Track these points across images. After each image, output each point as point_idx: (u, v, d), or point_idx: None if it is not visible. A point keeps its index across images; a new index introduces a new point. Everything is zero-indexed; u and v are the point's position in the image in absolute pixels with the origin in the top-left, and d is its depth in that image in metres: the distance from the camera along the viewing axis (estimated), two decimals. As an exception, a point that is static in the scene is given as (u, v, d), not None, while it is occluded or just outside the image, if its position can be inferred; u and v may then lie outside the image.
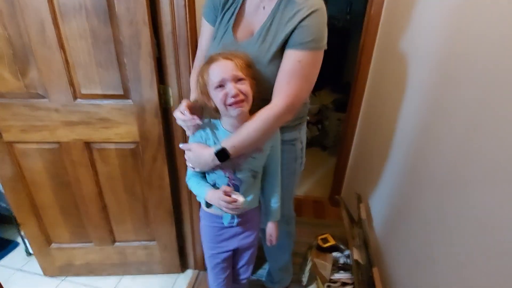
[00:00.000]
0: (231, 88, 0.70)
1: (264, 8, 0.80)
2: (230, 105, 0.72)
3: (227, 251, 0.97)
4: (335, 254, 1.44)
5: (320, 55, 0.79)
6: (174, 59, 1.05)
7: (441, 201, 0.88)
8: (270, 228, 0.98)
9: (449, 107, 0.88)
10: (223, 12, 0.84)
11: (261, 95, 0.79)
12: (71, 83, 1.02)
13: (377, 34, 1.58)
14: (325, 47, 0.79)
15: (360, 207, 1.55)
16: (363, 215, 1.50)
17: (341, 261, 1.42)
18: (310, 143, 2.94)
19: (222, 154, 0.76)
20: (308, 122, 2.95)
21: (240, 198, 0.77)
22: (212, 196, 0.81)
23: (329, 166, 2.46)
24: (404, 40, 1.27)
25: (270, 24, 0.78)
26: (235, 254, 1.02)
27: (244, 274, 1.06)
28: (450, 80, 0.89)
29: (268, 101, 0.79)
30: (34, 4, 0.90)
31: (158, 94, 1.06)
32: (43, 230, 1.32)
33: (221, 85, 0.71)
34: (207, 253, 1.00)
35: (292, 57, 0.76)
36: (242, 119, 0.76)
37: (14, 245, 1.61)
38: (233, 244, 0.96)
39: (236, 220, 0.91)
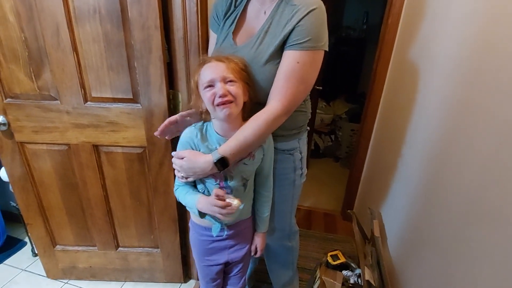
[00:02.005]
0: (219, 87, 0.69)
1: (265, 13, 0.80)
2: (217, 105, 0.70)
3: (217, 265, 0.93)
4: (345, 272, 1.36)
5: (319, 55, 0.77)
6: (185, 64, 1.04)
7: (464, 226, 0.81)
8: (257, 238, 0.95)
9: (475, 124, 0.81)
10: (225, 19, 0.85)
11: (256, 99, 0.77)
12: (83, 86, 1.03)
13: (394, 45, 1.53)
14: (326, 47, 0.77)
15: (373, 224, 1.47)
16: (377, 232, 1.41)
17: (352, 280, 1.33)
18: (323, 154, 2.88)
19: (221, 162, 0.73)
20: (321, 132, 2.91)
21: (234, 202, 0.73)
22: (204, 203, 0.77)
23: (342, 178, 2.37)
24: (423, 51, 1.21)
25: (269, 27, 0.78)
26: (226, 265, 0.98)
27: (232, 286, 1.01)
28: (476, 95, 0.82)
29: (262, 105, 0.77)
30: (51, 8, 0.92)
31: (167, 99, 1.05)
32: (49, 231, 1.32)
33: (210, 85, 0.71)
34: (197, 264, 0.97)
35: (290, 58, 0.74)
36: (232, 122, 0.75)
37: (22, 244, 1.63)
38: (223, 257, 0.92)
39: (226, 232, 0.87)
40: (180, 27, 0.98)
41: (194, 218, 0.91)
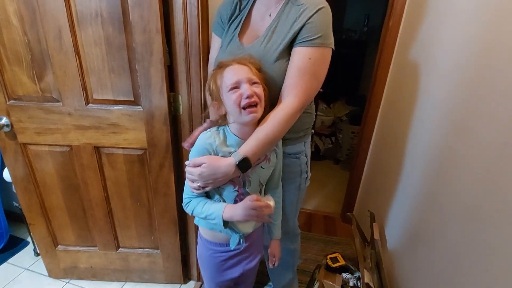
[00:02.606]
0: (246, 88, 0.68)
1: (270, 15, 0.82)
2: (244, 108, 0.69)
3: (230, 279, 0.90)
4: (344, 275, 1.36)
5: (329, 53, 0.78)
6: (186, 67, 1.05)
7: (466, 228, 0.81)
8: (273, 246, 0.94)
9: (476, 126, 0.81)
10: (230, 23, 0.86)
11: (269, 100, 0.77)
12: (84, 88, 1.04)
13: (395, 47, 1.54)
14: (333, 46, 0.78)
15: (373, 227, 1.46)
16: (377, 235, 1.41)
17: (351, 283, 1.33)
18: (323, 156, 2.88)
19: (244, 164, 0.71)
20: (322, 134, 2.91)
21: (271, 202, 0.71)
22: (233, 210, 0.72)
23: (342, 181, 2.37)
24: (424, 53, 1.22)
25: (276, 26, 0.79)
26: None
27: None
28: (478, 97, 0.82)
29: (273, 106, 0.77)
30: (53, 11, 0.93)
31: (168, 101, 1.06)
32: (51, 231, 1.33)
33: (235, 87, 0.69)
34: (208, 282, 0.93)
35: (301, 54, 0.75)
36: (254, 125, 0.74)
37: (24, 244, 1.64)
38: (237, 271, 0.88)
39: (243, 245, 0.84)
40: (181, 30, 0.99)
41: (205, 233, 0.86)
